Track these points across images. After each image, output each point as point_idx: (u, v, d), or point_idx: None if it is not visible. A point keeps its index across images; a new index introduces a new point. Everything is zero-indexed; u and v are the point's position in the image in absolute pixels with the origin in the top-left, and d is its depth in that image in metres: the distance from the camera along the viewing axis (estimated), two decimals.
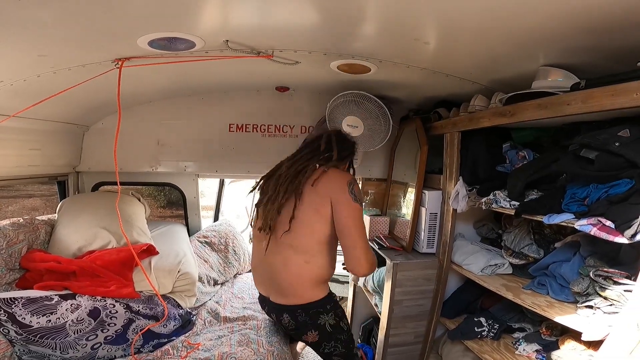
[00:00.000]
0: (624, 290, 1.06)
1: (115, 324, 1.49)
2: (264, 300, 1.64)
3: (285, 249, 1.45)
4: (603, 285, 1.12)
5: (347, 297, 2.75)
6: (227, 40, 1.31)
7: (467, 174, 1.73)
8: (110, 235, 1.82)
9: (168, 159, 2.40)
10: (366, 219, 2.25)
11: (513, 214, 1.38)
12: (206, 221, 2.87)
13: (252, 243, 1.70)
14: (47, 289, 1.48)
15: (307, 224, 1.42)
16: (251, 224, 1.69)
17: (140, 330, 1.53)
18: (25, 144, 1.87)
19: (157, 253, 1.84)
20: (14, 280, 1.56)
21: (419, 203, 1.96)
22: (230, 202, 3.43)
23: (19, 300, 1.36)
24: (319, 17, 1.16)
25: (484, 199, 1.56)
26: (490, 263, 1.65)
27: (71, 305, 1.43)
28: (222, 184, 3.05)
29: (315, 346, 1.56)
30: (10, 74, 1.37)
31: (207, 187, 3.52)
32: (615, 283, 1.10)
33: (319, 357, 1.63)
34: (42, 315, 1.36)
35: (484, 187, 1.61)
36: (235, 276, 2.54)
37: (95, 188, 2.42)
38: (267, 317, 1.76)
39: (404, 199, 2.28)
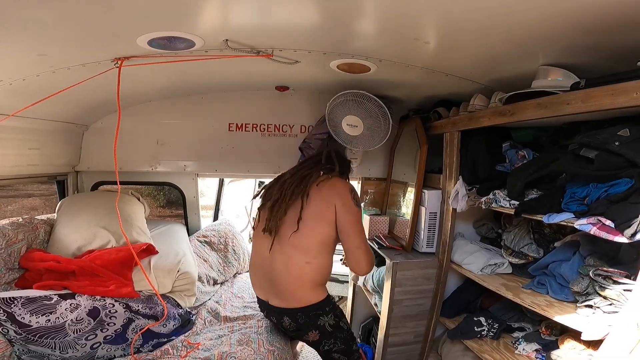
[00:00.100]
0: (624, 290, 1.06)
1: (114, 324, 1.49)
2: (263, 304, 1.65)
3: (289, 249, 1.48)
4: (603, 285, 1.12)
5: (346, 297, 2.75)
6: (226, 40, 1.31)
7: (466, 173, 1.73)
8: (109, 234, 1.81)
9: (167, 159, 2.40)
10: (366, 218, 2.24)
11: (513, 213, 1.38)
12: (206, 221, 2.86)
13: (251, 244, 1.71)
14: (46, 288, 1.48)
15: (311, 225, 1.48)
16: (253, 227, 1.71)
17: (140, 330, 1.53)
18: (25, 143, 1.87)
19: (157, 252, 1.84)
20: (13, 279, 1.55)
21: (418, 202, 1.96)
22: (230, 202, 3.43)
23: (19, 299, 1.35)
24: (319, 16, 1.16)
25: (483, 199, 1.56)
26: (490, 262, 1.65)
27: (70, 304, 1.43)
28: (221, 183, 3.05)
29: (315, 345, 1.58)
30: (10, 73, 1.36)
31: (206, 187, 3.51)
32: (615, 282, 1.10)
33: (319, 356, 1.64)
34: (42, 315, 1.36)
35: (484, 187, 1.61)
36: (234, 275, 2.54)
37: (95, 187, 2.41)
38: None
39: (403, 198, 2.28)
